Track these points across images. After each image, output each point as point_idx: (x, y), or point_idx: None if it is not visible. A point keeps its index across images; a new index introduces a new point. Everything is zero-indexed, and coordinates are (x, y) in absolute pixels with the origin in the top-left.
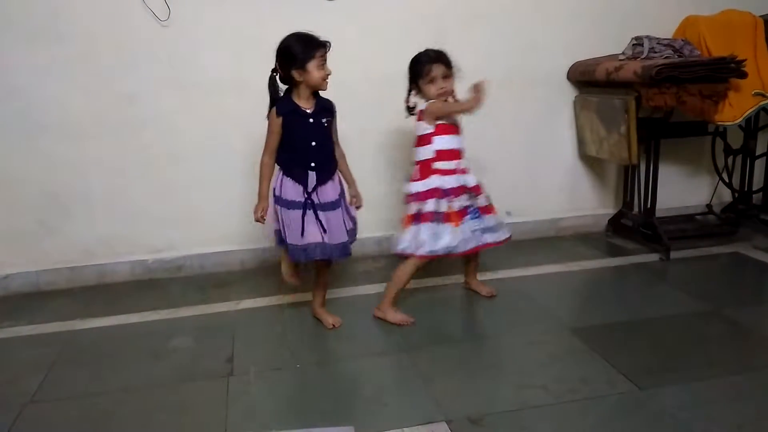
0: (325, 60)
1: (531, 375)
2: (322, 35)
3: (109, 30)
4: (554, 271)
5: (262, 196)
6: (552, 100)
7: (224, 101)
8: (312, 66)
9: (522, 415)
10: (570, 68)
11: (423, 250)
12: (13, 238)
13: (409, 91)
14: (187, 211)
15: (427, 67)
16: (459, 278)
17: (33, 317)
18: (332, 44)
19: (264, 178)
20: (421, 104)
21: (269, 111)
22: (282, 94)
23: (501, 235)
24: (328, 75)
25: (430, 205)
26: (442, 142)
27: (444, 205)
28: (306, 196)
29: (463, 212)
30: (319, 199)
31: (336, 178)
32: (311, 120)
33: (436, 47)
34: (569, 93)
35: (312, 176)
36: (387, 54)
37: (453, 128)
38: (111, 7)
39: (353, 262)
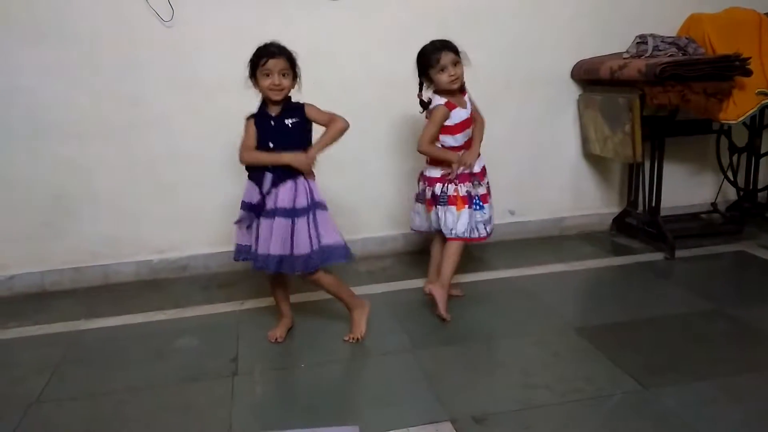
0: (275, 70)
1: (535, 374)
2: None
3: (112, 31)
4: (558, 271)
5: (279, 159)
6: (556, 98)
7: (228, 101)
8: (259, 75)
9: (526, 415)
10: (574, 67)
11: (478, 233)
12: (17, 239)
13: (421, 85)
14: (191, 212)
15: (436, 56)
16: (461, 277)
17: (38, 318)
18: (332, 45)
19: (260, 155)
20: (435, 98)
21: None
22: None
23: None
24: (275, 85)
25: (462, 189)
26: (445, 140)
27: (474, 189)
28: (260, 195)
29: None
30: (275, 204)
31: (303, 186)
32: (272, 122)
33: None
34: (573, 91)
35: (268, 177)
36: (390, 54)
37: (455, 128)
38: (115, 8)
39: (357, 262)
